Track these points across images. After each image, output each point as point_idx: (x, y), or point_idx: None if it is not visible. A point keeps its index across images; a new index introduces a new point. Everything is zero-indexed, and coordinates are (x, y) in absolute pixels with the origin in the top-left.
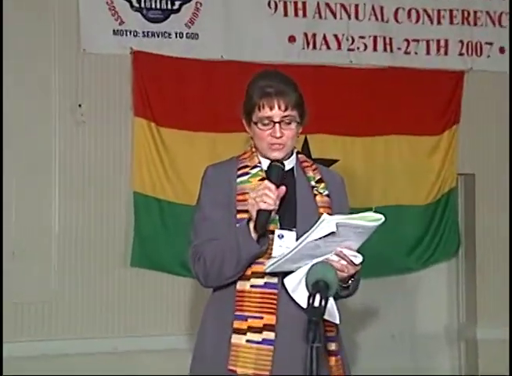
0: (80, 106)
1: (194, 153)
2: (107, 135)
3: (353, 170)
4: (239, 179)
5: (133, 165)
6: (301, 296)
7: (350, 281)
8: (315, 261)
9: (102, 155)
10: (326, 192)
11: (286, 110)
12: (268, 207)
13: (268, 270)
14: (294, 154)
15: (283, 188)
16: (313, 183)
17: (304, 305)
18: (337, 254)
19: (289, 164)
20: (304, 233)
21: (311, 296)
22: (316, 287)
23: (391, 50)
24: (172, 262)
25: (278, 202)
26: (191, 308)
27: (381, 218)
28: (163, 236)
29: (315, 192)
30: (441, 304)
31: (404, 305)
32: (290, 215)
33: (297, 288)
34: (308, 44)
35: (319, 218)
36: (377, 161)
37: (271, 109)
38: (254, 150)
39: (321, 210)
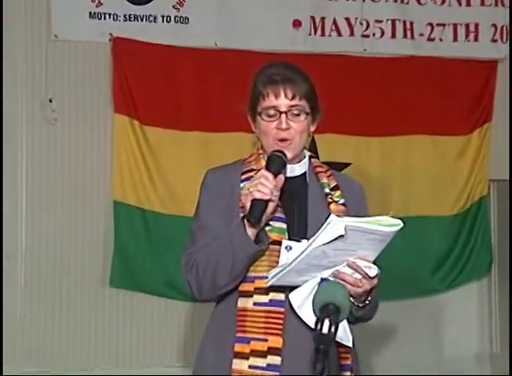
0: (51, 101)
1: (184, 155)
2: (83, 135)
3: (368, 175)
4: (242, 184)
5: (113, 170)
6: (308, 314)
7: (367, 301)
8: (324, 273)
9: (77, 158)
10: (342, 200)
11: (293, 98)
12: (263, 196)
13: (270, 283)
14: (307, 158)
15: (282, 177)
16: (327, 190)
17: (312, 324)
18: (350, 266)
19: (301, 169)
20: None
21: (319, 321)
22: (325, 311)
23: (412, 36)
24: (158, 282)
25: (276, 193)
26: (184, 335)
27: (399, 223)
28: (147, 252)
29: (329, 200)
30: (471, 331)
31: (427, 332)
32: (300, 224)
33: (304, 304)
34: (315, 29)
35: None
36: (396, 165)
37: (276, 97)
38: (260, 151)
39: None
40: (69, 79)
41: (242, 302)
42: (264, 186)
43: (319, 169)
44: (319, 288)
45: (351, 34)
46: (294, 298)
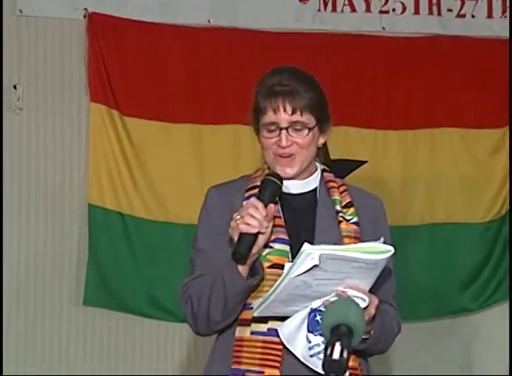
0: (15, 87)
1: (172, 151)
2: (53, 128)
3: (386, 175)
4: (245, 203)
5: (89, 169)
6: (299, 347)
7: (371, 332)
8: (314, 303)
9: (46, 155)
10: (355, 219)
11: (293, 113)
12: (250, 229)
13: (256, 313)
14: (318, 171)
15: (272, 206)
16: (338, 208)
17: (303, 359)
18: (339, 296)
19: (310, 185)
20: None
21: (330, 345)
22: (336, 332)
23: (439, 12)
24: (140, 300)
25: (268, 224)
26: (177, 363)
27: (390, 249)
28: (128, 265)
29: (340, 218)
30: (506, 357)
31: (455, 358)
32: None
33: (295, 337)
34: (325, 4)
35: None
36: (420, 163)
37: (275, 112)
38: (266, 166)
39: (346, 240)
40: (36, 62)
41: (240, 331)
42: (252, 218)
43: (331, 184)
44: (329, 307)
45: (367, 9)
46: (283, 330)
